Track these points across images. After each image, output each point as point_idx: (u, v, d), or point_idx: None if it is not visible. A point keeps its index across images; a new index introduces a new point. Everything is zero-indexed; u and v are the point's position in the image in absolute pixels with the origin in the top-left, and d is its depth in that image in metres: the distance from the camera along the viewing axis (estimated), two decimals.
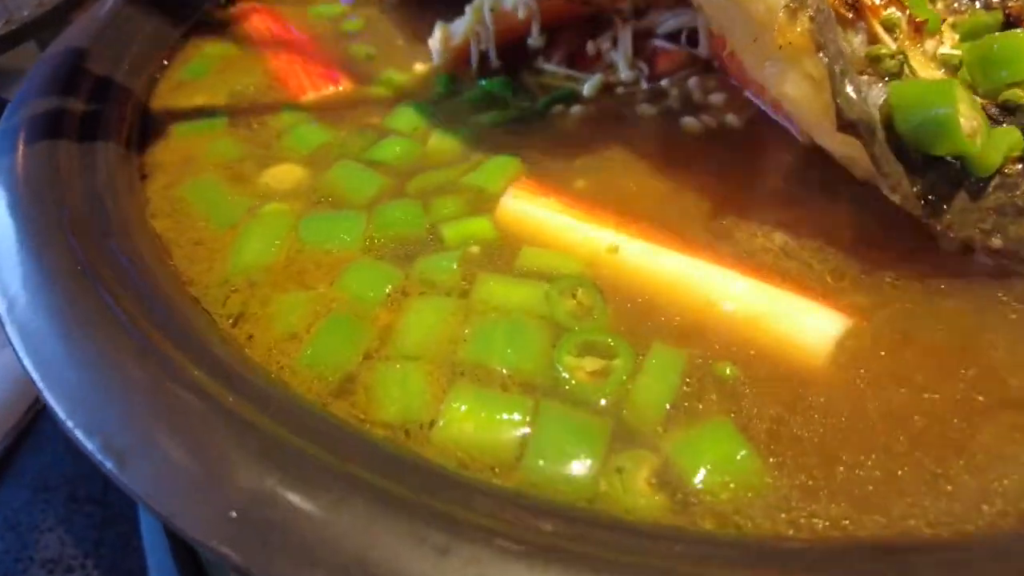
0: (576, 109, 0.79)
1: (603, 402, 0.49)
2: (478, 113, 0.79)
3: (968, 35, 0.67)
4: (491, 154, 0.72)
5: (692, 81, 0.81)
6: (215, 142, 0.77)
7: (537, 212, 0.64)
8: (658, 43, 0.84)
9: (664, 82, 0.82)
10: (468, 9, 0.85)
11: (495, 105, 0.81)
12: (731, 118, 0.77)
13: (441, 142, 0.75)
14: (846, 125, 0.56)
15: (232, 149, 0.76)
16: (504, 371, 0.51)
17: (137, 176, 0.73)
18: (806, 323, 0.54)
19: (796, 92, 0.61)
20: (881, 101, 0.58)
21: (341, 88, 0.84)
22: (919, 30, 0.65)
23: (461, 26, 0.85)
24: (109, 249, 0.57)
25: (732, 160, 0.72)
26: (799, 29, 0.58)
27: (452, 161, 0.72)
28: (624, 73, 0.82)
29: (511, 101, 0.81)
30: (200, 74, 0.90)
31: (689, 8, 0.77)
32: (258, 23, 0.99)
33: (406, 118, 0.78)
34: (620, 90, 0.82)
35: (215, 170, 0.73)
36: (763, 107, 0.76)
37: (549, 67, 0.85)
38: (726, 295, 0.56)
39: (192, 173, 0.73)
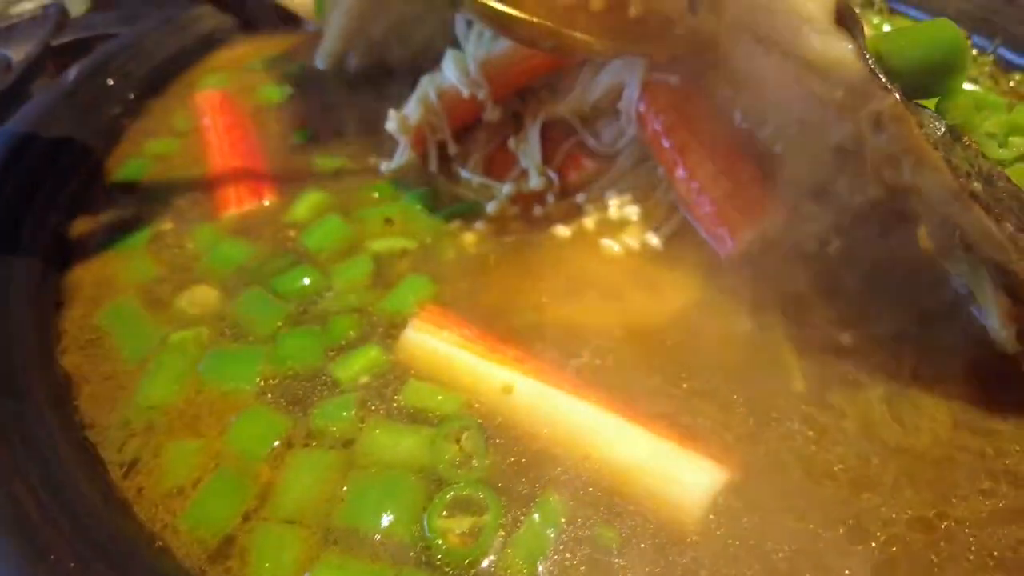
0: (480, 226, 0.80)
1: (470, 565, 0.49)
2: (392, 231, 0.80)
3: None
4: (400, 276, 0.74)
5: (609, 195, 0.81)
6: (136, 261, 0.78)
7: (438, 346, 0.65)
8: (570, 148, 0.85)
9: (580, 198, 0.82)
10: (414, 98, 0.86)
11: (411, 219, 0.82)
12: (651, 237, 0.77)
13: (351, 266, 0.76)
14: None
15: (152, 269, 0.77)
16: (377, 537, 0.51)
17: (52, 304, 0.74)
18: (683, 478, 0.54)
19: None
20: None
21: (267, 203, 0.85)
22: None
23: (414, 112, 0.85)
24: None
25: (646, 288, 0.73)
26: None
27: (362, 285, 0.73)
28: (534, 180, 0.83)
29: (425, 216, 0.82)
30: (136, 176, 0.91)
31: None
32: (206, 109, 1.01)
33: (320, 237, 0.79)
34: (537, 210, 0.82)
35: (134, 293, 0.74)
36: (692, 220, 0.78)
37: (464, 173, 0.86)
38: (609, 444, 0.57)
39: (111, 296, 0.74)
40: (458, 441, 0.57)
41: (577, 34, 0.77)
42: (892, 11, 1.20)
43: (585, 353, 0.65)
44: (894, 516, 0.53)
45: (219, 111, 0.99)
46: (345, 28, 1.04)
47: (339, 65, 1.10)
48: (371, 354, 0.65)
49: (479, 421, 0.59)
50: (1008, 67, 1.07)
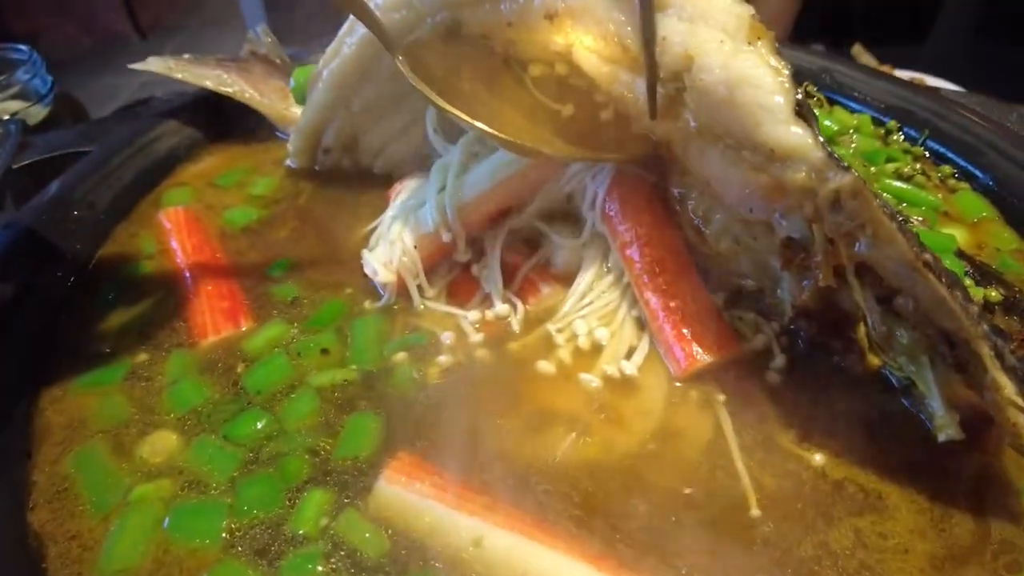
0: (444, 360, 0.81)
1: None
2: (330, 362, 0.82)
3: None
4: (348, 415, 0.75)
5: (576, 322, 0.83)
6: (107, 400, 0.79)
7: (410, 499, 0.66)
8: (531, 272, 0.89)
9: (551, 327, 0.84)
10: (387, 242, 0.89)
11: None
12: (625, 365, 0.79)
13: (296, 403, 0.77)
14: None
15: (121, 410, 0.77)
16: None
17: (23, 454, 0.74)
18: None
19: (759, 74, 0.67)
20: None
21: (244, 328, 0.86)
22: None
23: (392, 257, 0.87)
24: None
25: (612, 421, 0.74)
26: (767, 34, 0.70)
27: (311, 424, 0.75)
28: (498, 306, 0.86)
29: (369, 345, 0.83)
30: (112, 304, 0.91)
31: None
32: (173, 229, 1.01)
33: (261, 376, 0.80)
34: (513, 346, 0.83)
35: (101, 438, 0.75)
36: (652, 338, 0.81)
37: (428, 302, 0.88)
38: None
39: (79, 440, 0.75)
40: None
41: (545, 145, 0.82)
42: (831, 102, 1.27)
43: (551, 497, 0.67)
44: None
45: (186, 231, 1.00)
46: (314, 121, 1.07)
47: (311, 162, 1.13)
48: (326, 498, 0.67)
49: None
50: (939, 160, 1.14)
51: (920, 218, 1.00)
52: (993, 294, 0.84)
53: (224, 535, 0.65)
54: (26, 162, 1.10)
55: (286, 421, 0.75)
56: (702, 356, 0.77)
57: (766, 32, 0.69)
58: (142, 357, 0.83)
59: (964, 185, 1.09)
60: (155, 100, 1.22)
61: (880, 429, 0.74)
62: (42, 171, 1.11)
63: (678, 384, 0.78)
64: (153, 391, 0.79)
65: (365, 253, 0.91)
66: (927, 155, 1.16)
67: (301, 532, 0.64)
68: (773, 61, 0.67)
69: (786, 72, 0.67)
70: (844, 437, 0.73)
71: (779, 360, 0.79)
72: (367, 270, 0.89)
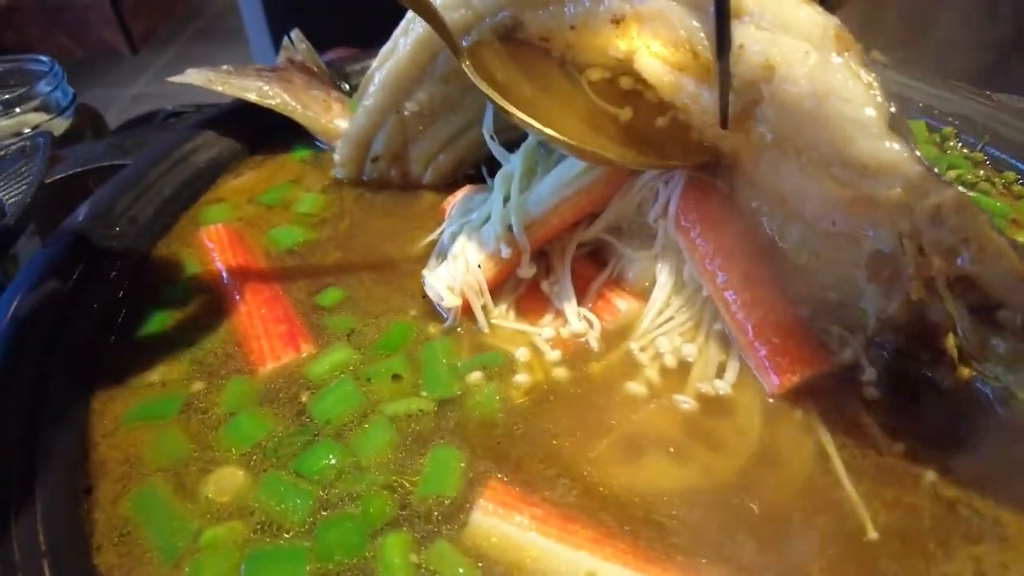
0: (522, 380, 0.77)
1: None
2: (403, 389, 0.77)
3: None
4: (427, 448, 0.70)
5: (661, 341, 0.79)
6: (163, 435, 0.73)
7: (510, 532, 0.62)
8: (603, 287, 0.85)
9: (633, 346, 0.80)
10: (451, 263, 0.84)
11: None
12: (718, 384, 0.75)
13: (370, 435, 0.72)
14: None
15: (178, 447, 0.72)
16: None
17: (82, 491, 0.68)
18: None
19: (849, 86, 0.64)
20: None
21: (304, 354, 0.81)
22: None
23: (456, 278, 0.83)
24: None
25: (708, 444, 0.70)
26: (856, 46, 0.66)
27: (388, 458, 0.70)
28: (574, 324, 0.81)
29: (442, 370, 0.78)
30: (159, 328, 0.85)
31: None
32: (216, 248, 0.95)
33: (327, 406, 0.74)
34: (595, 366, 0.78)
35: (160, 477, 0.69)
36: (740, 352, 0.77)
37: (498, 320, 0.84)
38: None
39: (137, 478, 0.69)
40: None
41: (608, 150, 0.78)
42: None
43: (655, 528, 0.63)
44: None
45: (230, 250, 0.95)
46: (366, 127, 1.03)
47: (358, 172, 1.08)
48: (414, 539, 0.62)
49: None
50: (1000, 167, 1.12)
51: None
52: None
53: None
54: (59, 176, 1.05)
55: (361, 454, 0.70)
56: (797, 372, 0.73)
57: (854, 43, 0.67)
58: (197, 386, 0.78)
59: None
60: (191, 111, 1.16)
61: (983, 443, 0.71)
62: (66, 188, 1.05)
63: (772, 401, 0.74)
64: (211, 424, 0.74)
65: (426, 274, 0.87)
66: (987, 161, 1.13)
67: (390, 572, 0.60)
68: (863, 73, 0.64)
69: (877, 84, 0.64)
70: (948, 453, 0.69)
71: (869, 373, 0.76)
72: (430, 294, 0.84)
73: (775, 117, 0.69)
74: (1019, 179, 1.08)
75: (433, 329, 0.84)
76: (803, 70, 0.65)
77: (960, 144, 1.16)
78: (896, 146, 0.62)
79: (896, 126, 0.63)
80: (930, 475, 0.68)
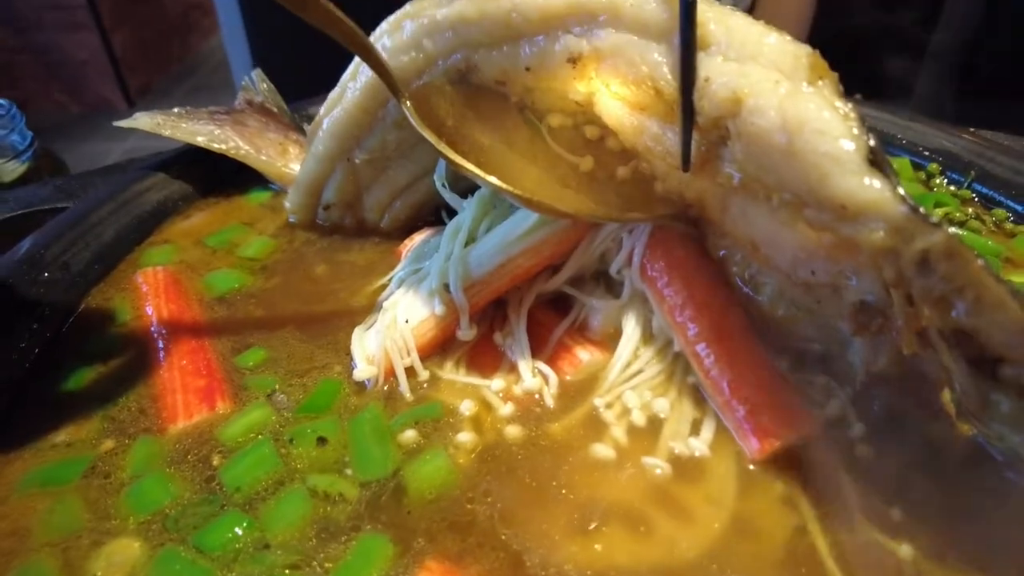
0: (466, 439, 0.69)
1: None
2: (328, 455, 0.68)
3: None
4: (351, 534, 0.61)
5: (629, 396, 0.72)
6: (58, 503, 0.65)
7: None
8: (565, 336, 0.78)
9: (597, 402, 0.72)
10: (375, 329, 0.77)
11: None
12: (695, 443, 0.68)
13: (284, 507, 0.63)
14: None
15: (73, 517, 0.64)
16: None
17: None
18: None
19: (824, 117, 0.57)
20: None
21: (219, 411, 0.73)
22: None
23: (377, 345, 0.76)
24: None
25: (675, 513, 0.63)
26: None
27: (301, 535, 0.61)
28: (528, 380, 0.74)
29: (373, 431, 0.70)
30: (76, 382, 0.78)
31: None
32: (150, 293, 0.89)
33: (241, 471, 0.66)
34: (554, 427, 0.70)
35: (48, 552, 0.60)
36: (715, 407, 0.70)
37: (445, 374, 0.76)
38: None
39: (22, 554, 0.60)
40: None
41: (565, 202, 0.72)
42: None
43: None
44: None
45: (164, 295, 0.88)
46: (314, 174, 0.98)
47: (311, 218, 1.02)
48: None
49: None
50: (988, 204, 1.07)
51: None
52: None
53: None
54: (2, 217, 0.99)
55: (269, 529, 0.61)
56: (779, 436, 0.66)
57: (829, 72, 0.60)
58: (107, 445, 0.70)
59: (1023, 228, 1.01)
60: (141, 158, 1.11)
61: (983, 514, 0.63)
62: (18, 228, 1.00)
63: (751, 466, 0.67)
64: (112, 489, 0.66)
65: (357, 332, 0.79)
66: (975, 198, 1.08)
67: None
68: (839, 103, 0.57)
69: (854, 115, 0.57)
70: (939, 523, 0.62)
71: (857, 429, 0.68)
72: (357, 375, 0.76)
73: (743, 155, 0.63)
74: (1010, 216, 1.03)
75: (369, 390, 0.75)
76: (773, 101, 0.58)
77: (946, 181, 1.11)
78: (877, 183, 0.54)
79: (876, 161, 0.56)
80: (906, 548, 0.59)
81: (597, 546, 0.59)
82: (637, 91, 0.71)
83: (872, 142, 0.56)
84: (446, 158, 0.73)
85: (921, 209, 0.53)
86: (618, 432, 0.69)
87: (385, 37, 0.85)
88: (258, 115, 1.15)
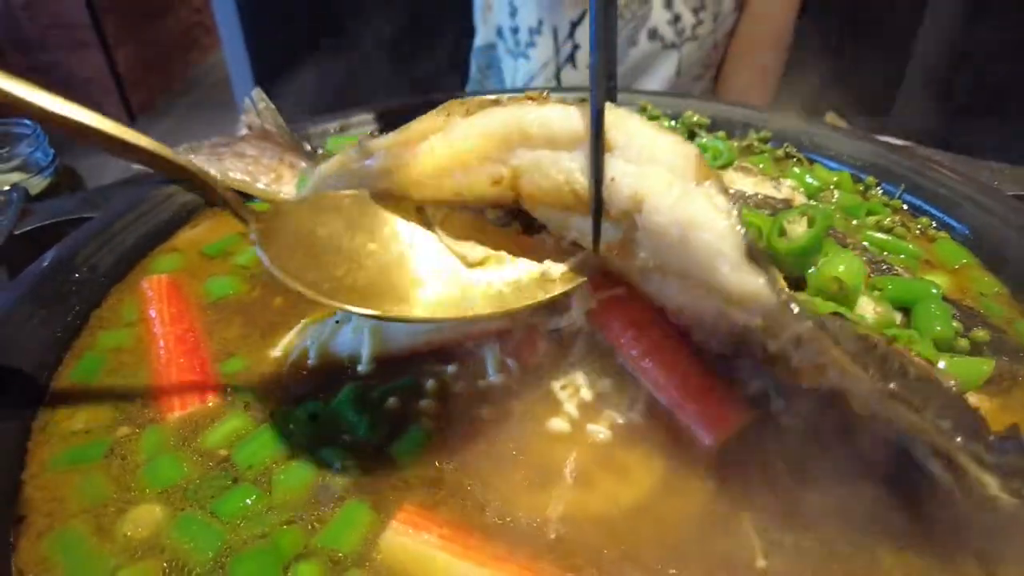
0: (431, 406, 0.80)
1: None
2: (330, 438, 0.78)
3: None
4: (343, 493, 0.72)
5: (579, 377, 0.82)
6: (87, 479, 0.75)
7: (418, 549, 0.65)
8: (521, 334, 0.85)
9: (556, 384, 0.81)
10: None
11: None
12: (632, 414, 0.78)
13: (289, 480, 0.74)
14: None
15: (101, 489, 0.74)
16: None
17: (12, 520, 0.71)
18: None
19: (710, 218, 0.64)
20: None
21: (210, 403, 0.83)
22: None
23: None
24: None
25: (615, 473, 0.73)
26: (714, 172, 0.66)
27: (301, 499, 0.72)
28: (492, 375, 0.83)
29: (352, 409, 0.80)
30: (90, 375, 0.89)
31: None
32: (153, 297, 0.99)
33: (253, 453, 0.77)
34: (515, 403, 0.80)
35: (81, 519, 0.71)
36: (663, 401, 0.79)
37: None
38: None
39: (61, 520, 0.71)
40: None
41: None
42: (811, 161, 1.33)
43: (557, 553, 0.66)
44: None
45: (166, 299, 0.99)
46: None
47: None
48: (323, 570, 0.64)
49: None
50: (916, 212, 1.19)
51: (903, 267, 1.03)
52: (980, 333, 0.86)
53: None
54: (28, 228, 1.11)
55: (277, 494, 0.72)
56: (726, 427, 0.76)
57: (713, 172, 0.69)
58: (122, 431, 0.80)
59: (943, 235, 1.13)
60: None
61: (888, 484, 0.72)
62: (41, 239, 1.12)
63: (684, 435, 0.77)
64: (129, 469, 0.76)
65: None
66: (905, 208, 1.20)
67: None
68: (722, 202, 0.64)
69: (735, 214, 0.64)
70: (845, 485, 0.71)
71: (778, 403, 0.78)
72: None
73: (650, 245, 0.70)
74: (932, 224, 1.15)
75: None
76: (667, 201, 0.65)
77: (881, 192, 1.24)
78: (753, 278, 0.62)
79: (754, 255, 0.63)
80: (823, 516, 0.69)
81: (548, 498, 0.71)
82: (558, 194, 0.76)
83: (748, 240, 0.63)
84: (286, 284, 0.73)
85: (792, 304, 0.62)
86: (570, 407, 0.80)
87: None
88: (256, 141, 1.27)
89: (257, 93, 1.31)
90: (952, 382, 0.64)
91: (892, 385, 0.61)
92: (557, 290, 0.76)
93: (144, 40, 5.59)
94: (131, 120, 5.39)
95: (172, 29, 6.01)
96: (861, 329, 0.66)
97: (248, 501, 0.71)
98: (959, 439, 0.60)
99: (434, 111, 0.80)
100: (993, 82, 2.76)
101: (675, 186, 0.65)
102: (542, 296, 0.76)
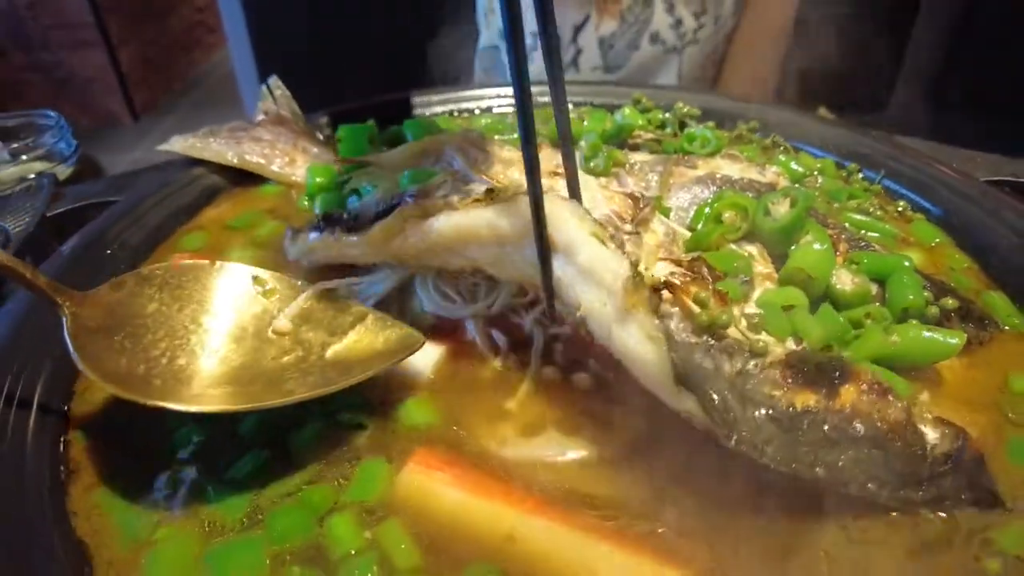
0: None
1: None
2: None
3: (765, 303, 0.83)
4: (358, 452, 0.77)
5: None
6: (124, 441, 0.80)
7: (437, 490, 0.72)
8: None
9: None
10: None
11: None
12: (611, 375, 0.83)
13: (304, 441, 0.78)
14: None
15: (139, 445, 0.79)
16: None
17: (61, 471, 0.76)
18: None
19: (640, 350, 0.68)
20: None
21: None
22: (724, 300, 0.77)
23: None
24: None
25: (600, 420, 0.80)
26: (642, 295, 0.69)
27: (321, 467, 0.76)
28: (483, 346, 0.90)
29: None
30: None
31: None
32: None
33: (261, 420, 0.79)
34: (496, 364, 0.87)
35: (124, 476, 0.75)
36: None
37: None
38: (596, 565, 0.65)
39: (108, 475, 0.75)
40: None
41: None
42: (796, 150, 1.40)
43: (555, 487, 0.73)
44: None
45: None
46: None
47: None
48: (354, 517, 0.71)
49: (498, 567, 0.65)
50: (894, 196, 1.27)
51: (880, 245, 1.11)
52: (950, 302, 0.93)
53: (268, 561, 0.67)
54: (59, 210, 1.18)
55: (295, 454, 0.77)
56: None
57: (643, 292, 0.69)
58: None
59: (919, 216, 1.21)
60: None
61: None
62: (74, 221, 1.18)
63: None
64: (164, 433, 0.80)
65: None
66: (884, 192, 1.28)
67: (342, 550, 0.68)
68: (652, 327, 0.67)
69: (663, 337, 0.67)
70: None
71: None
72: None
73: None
74: (910, 206, 1.23)
75: None
76: (603, 321, 0.70)
77: (862, 177, 1.31)
78: (686, 402, 0.67)
79: (684, 380, 0.67)
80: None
81: (536, 443, 0.78)
82: (519, 278, 0.84)
83: (677, 363, 0.67)
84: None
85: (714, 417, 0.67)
86: (549, 371, 0.87)
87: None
88: (272, 126, 1.35)
89: (274, 81, 1.39)
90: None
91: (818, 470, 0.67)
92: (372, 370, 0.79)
93: (147, 39, 5.65)
94: (135, 119, 5.44)
95: (174, 28, 6.07)
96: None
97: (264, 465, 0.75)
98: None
99: (391, 217, 0.86)
100: (987, 79, 2.82)
101: (608, 307, 0.69)
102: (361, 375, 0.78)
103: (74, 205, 1.19)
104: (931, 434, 0.71)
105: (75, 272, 0.99)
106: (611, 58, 2.13)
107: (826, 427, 0.68)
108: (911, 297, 0.92)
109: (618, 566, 0.66)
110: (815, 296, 0.91)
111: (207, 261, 0.88)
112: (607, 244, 0.71)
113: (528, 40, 2.30)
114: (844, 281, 0.94)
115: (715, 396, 0.67)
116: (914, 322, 0.88)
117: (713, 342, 0.70)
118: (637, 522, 0.69)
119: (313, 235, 0.95)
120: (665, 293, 0.73)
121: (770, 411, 0.67)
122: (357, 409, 0.82)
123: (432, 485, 0.73)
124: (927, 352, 0.86)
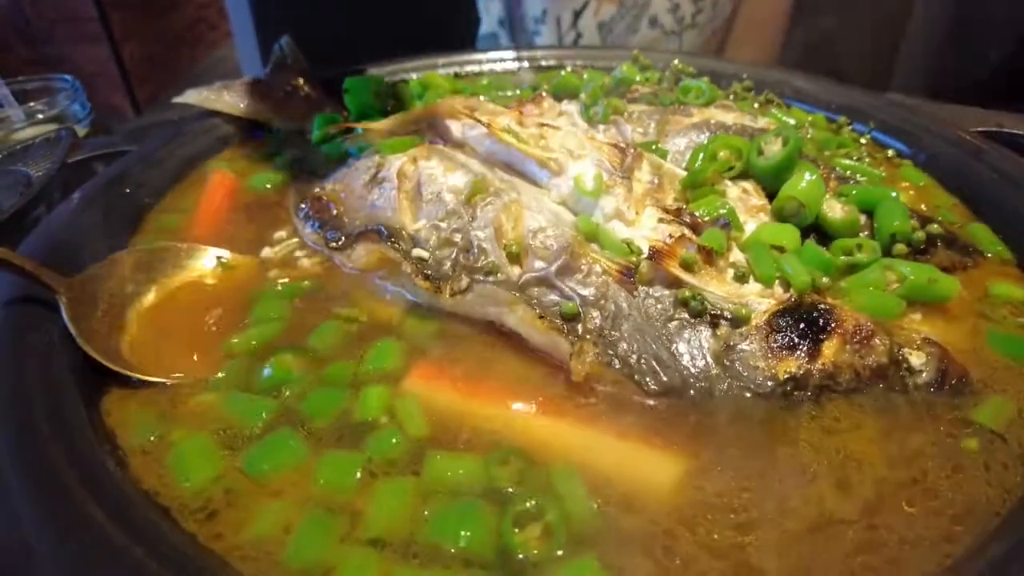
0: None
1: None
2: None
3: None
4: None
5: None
6: None
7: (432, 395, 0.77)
8: None
9: None
10: None
11: None
12: None
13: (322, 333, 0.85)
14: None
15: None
16: (453, 551, 0.60)
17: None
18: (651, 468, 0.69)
19: None
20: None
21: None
22: (710, 257, 0.82)
23: None
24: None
25: None
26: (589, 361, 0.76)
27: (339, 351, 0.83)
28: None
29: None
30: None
31: None
32: (214, 188, 1.16)
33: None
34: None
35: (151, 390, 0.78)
36: None
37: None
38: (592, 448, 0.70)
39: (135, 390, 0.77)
40: (506, 464, 0.68)
41: None
42: (788, 106, 1.45)
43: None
44: None
45: (221, 192, 1.15)
46: None
47: None
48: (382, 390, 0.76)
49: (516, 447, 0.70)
50: (883, 146, 1.32)
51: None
52: (935, 228, 0.98)
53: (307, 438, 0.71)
54: (78, 158, 1.23)
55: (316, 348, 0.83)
56: None
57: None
58: None
59: (907, 162, 1.26)
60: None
61: None
62: (92, 168, 1.23)
63: None
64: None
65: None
66: (874, 141, 1.33)
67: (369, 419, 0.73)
68: None
69: None
70: None
71: None
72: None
73: None
74: (898, 154, 1.28)
75: None
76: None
77: (851, 129, 1.36)
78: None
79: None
80: None
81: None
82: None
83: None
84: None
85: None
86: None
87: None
88: (283, 83, 1.40)
89: (286, 40, 1.43)
90: None
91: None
92: None
93: (150, 35, 5.69)
94: (137, 113, 5.49)
95: (177, 24, 6.11)
96: None
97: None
98: None
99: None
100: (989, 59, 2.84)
101: None
102: None
103: (92, 153, 1.24)
104: (916, 362, 0.77)
105: (95, 209, 1.04)
106: (610, 42, 2.18)
107: (810, 383, 0.75)
108: (897, 223, 0.96)
109: (612, 448, 0.70)
110: (805, 224, 0.95)
111: (179, 244, 0.98)
112: None
113: (531, 25, 2.34)
114: (834, 209, 0.99)
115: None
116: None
117: (692, 319, 0.77)
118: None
119: (308, 230, 1.03)
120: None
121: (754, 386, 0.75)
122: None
123: (433, 393, 0.77)
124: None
